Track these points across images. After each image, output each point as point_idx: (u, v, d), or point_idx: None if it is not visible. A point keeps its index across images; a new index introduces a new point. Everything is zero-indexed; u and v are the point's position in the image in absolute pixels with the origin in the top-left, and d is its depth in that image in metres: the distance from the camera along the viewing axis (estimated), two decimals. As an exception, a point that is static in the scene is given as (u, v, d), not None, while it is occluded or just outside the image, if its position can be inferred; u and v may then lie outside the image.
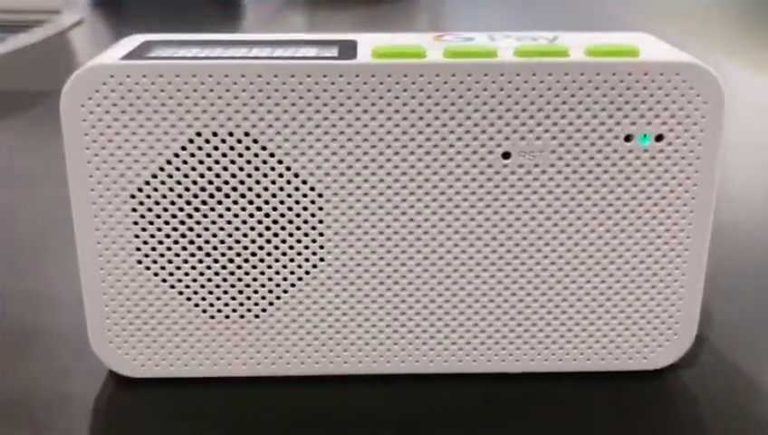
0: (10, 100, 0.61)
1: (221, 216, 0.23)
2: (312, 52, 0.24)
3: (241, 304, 0.24)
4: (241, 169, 0.23)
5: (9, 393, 0.25)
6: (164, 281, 0.24)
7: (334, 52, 0.24)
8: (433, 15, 0.96)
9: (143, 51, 0.23)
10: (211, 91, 0.22)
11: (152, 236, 0.24)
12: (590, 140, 0.23)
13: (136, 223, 0.23)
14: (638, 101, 0.23)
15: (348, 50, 0.24)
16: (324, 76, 0.22)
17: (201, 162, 0.23)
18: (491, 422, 0.24)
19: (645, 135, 0.23)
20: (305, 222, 0.24)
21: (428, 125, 0.23)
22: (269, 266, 0.24)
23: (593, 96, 0.23)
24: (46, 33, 0.80)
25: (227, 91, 0.22)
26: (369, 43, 0.24)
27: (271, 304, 0.24)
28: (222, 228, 0.24)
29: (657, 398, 0.25)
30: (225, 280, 0.24)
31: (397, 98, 0.23)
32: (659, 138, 0.23)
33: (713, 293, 0.27)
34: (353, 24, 0.85)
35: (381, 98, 0.23)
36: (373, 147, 0.23)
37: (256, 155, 0.23)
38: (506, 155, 0.23)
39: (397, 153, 0.23)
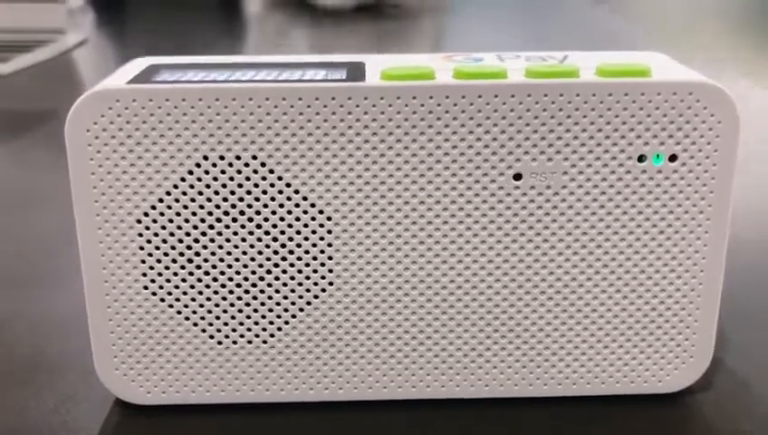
0: (15, 120, 0.60)
1: (228, 240, 0.23)
2: (319, 74, 0.23)
3: (249, 330, 0.24)
4: (248, 192, 0.23)
5: (15, 421, 0.25)
6: (171, 307, 0.24)
7: (342, 74, 0.23)
8: (438, 32, 0.96)
9: (149, 74, 0.23)
10: (218, 114, 0.22)
11: (159, 261, 0.23)
12: (603, 160, 0.23)
13: (142, 248, 0.23)
14: (650, 122, 0.22)
15: (356, 72, 0.23)
16: (333, 99, 0.22)
17: (208, 186, 0.23)
18: (504, 449, 0.23)
19: (658, 155, 0.23)
20: (314, 245, 0.23)
21: (438, 147, 0.23)
22: (277, 291, 0.24)
23: (605, 117, 0.22)
24: (50, 53, 0.80)
25: (235, 114, 0.22)
26: (378, 65, 0.24)
27: (279, 329, 0.24)
28: (229, 253, 0.23)
29: (672, 422, 0.24)
30: (232, 305, 0.24)
31: (406, 120, 0.22)
32: (673, 158, 0.23)
33: (729, 314, 0.27)
34: (357, 41, 0.85)
35: (391, 120, 0.22)
36: (382, 169, 0.23)
37: (264, 178, 0.23)
38: (517, 176, 0.23)
39: (406, 175, 0.23)
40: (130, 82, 0.22)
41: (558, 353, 0.25)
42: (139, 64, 0.25)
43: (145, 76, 0.23)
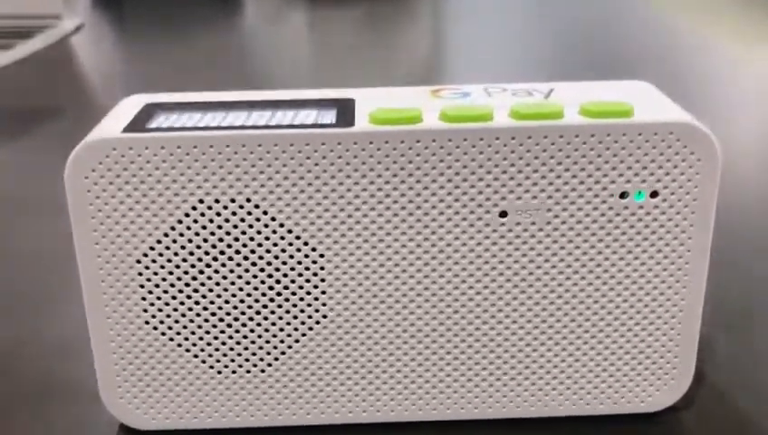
0: (16, 114, 0.61)
1: (225, 277, 0.24)
2: (310, 116, 0.24)
3: (247, 360, 0.25)
4: (243, 233, 0.24)
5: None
6: (171, 340, 0.25)
7: (332, 115, 0.24)
8: (435, 14, 0.95)
9: (144, 118, 0.24)
10: (212, 160, 0.23)
11: (158, 298, 0.24)
12: (586, 198, 0.24)
13: (142, 286, 0.24)
14: (632, 161, 0.23)
15: (346, 112, 0.24)
16: (323, 144, 0.23)
17: (204, 228, 0.24)
18: (492, 470, 0.25)
19: (640, 192, 0.24)
20: (307, 281, 0.24)
21: (426, 188, 0.23)
22: (273, 324, 0.25)
23: (588, 156, 0.23)
24: (48, 39, 0.80)
25: (228, 160, 0.23)
26: (367, 105, 0.24)
27: (276, 359, 0.25)
28: (226, 289, 0.24)
29: (655, 440, 0.26)
30: (230, 337, 0.25)
31: (394, 163, 0.23)
32: (654, 194, 0.24)
33: (713, 322, 0.27)
34: (353, 23, 0.85)
35: (379, 163, 0.23)
36: (372, 209, 0.23)
37: (258, 219, 0.23)
38: (503, 214, 0.24)
39: (396, 215, 0.24)
40: (127, 128, 0.23)
41: (544, 377, 0.26)
42: (135, 104, 0.25)
43: (141, 121, 0.24)
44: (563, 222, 0.24)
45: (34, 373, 0.30)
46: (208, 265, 0.24)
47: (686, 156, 0.23)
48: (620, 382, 0.26)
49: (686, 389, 0.26)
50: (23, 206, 0.45)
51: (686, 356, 0.26)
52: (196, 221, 0.23)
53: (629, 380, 0.26)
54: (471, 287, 0.24)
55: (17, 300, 0.35)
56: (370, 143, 0.23)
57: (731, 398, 0.27)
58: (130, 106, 0.25)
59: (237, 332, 0.25)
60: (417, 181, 0.23)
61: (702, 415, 0.27)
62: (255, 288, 0.24)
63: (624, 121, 0.23)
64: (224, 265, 0.24)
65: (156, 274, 0.24)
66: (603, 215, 0.24)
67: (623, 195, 0.24)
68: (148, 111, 0.25)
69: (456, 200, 0.23)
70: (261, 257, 0.24)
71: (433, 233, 0.24)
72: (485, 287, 0.24)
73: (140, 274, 0.24)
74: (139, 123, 0.24)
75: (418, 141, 0.23)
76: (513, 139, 0.23)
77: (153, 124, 0.24)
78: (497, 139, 0.23)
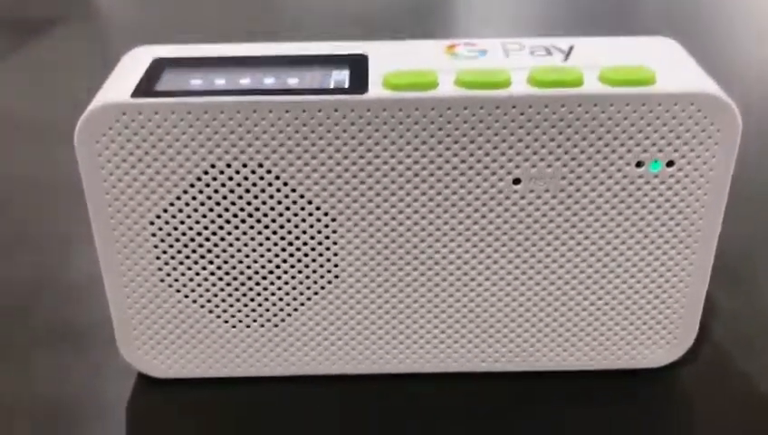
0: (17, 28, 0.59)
1: (238, 239, 0.24)
2: (323, 77, 0.23)
3: (261, 316, 0.26)
4: (256, 197, 0.24)
5: (48, 388, 0.27)
6: (186, 296, 0.25)
7: (345, 75, 0.23)
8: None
9: (153, 78, 0.23)
10: (223, 126, 0.22)
11: (172, 257, 0.24)
12: (601, 166, 0.23)
13: (156, 246, 0.24)
14: (650, 130, 0.23)
15: (359, 74, 0.23)
16: (335, 111, 0.22)
17: (216, 192, 0.23)
18: (495, 417, 0.26)
19: (656, 161, 0.23)
20: (320, 244, 0.24)
21: (439, 155, 0.23)
22: (286, 283, 0.25)
23: (606, 126, 0.23)
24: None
25: (240, 126, 0.22)
26: (380, 64, 0.24)
27: (289, 314, 0.26)
28: (239, 250, 0.24)
29: (653, 397, 0.26)
30: (244, 295, 0.25)
31: (408, 130, 0.23)
32: (670, 163, 0.23)
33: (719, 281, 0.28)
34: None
35: (393, 130, 0.23)
36: (385, 176, 0.23)
37: (270, 184, 0.23)
38: (516, 181, 0.23)
39: (408, 181, 0.23)
40: (136, 91, 0.23)
41: (549, 335, 0.26)
42: (141, 58, 0.25)
43: (149, 81, 0.23)
44: (577, 189, 0.24)
45: (53, 316, 0.30)
46: (221, 228, 0.24)
47: (705, 126, 0.23)
48: (625, 340, 0.26)
49: (689, 347, 0.27)
50: (36, 131, 0.45)
51: (691, 316, 0.26)
52: (208, 185, 0.23)
53: (634, 338, 0.26)
54: (482, 251, 0.25)
55: (32, 237, 0.36)
56: (384, 110, 0.22)
57: (732, 356, 0.28)
58: (137, 61, 0.25)
59: (251, 289, 0.25)
60: (431, 149, 0.23)
61: (701, 373, 0.27)
62: (268, 250, 0.24)
63: (645, 91, 0.22)
64: (236, 227, 0.24)
65: (169, 235, 0.24)
66: (617, 183, 0.24)
67: (639, 164, 0.23)
68: (156, 69, 0.24)
69: (470, 168, 0.23)
70: (273, 221, 0.24)
71: (445, 199, 0.24)
72: (496, 251, 0.25)
73: (154, 235, 0.24)
74: (147, 85, 0.23)
75: (433, 109, 0.22)
76: (530, 107, 0.22)
77: (162, 86, 0.23)
78: (514, 107, 0.22)
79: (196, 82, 0.23)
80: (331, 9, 0.69)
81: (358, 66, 0.24)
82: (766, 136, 0.44)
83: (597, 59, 0.24)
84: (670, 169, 0.23)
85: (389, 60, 0.24)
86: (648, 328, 0.26)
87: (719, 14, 0.68)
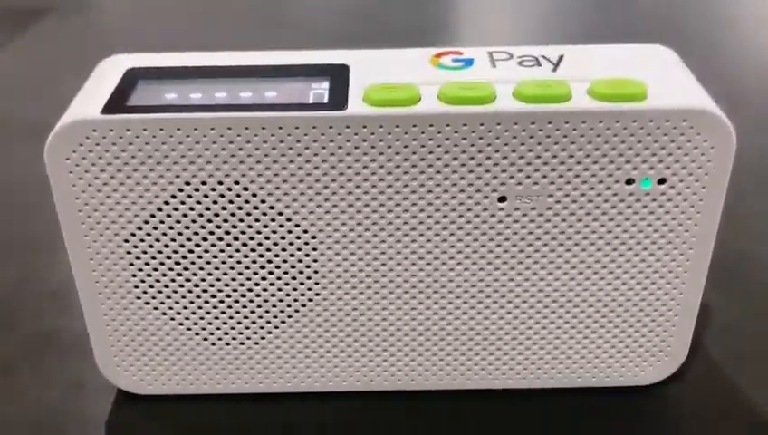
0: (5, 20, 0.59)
1: (215, 256, 0.24)
2: (301, 90, 0.23)
3: (240, 333, 0.25)
4: (232, 214, 0.23)
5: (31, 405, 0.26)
6: (164, 314, 0.25)
7: (325, 88, 0.23)
8: None
9: (125, 91, 0.23)
10: (197, 143, 0.22)
11: (149, 275, 0.24)
12: (589, 184, 0.22)
13: (132, 264, 0.24)
14: (641, 147, 0.22)
15: (338, 86, 0.22)
16: (314, 127, 0.21)
17: (192, 209, 0.23)
18: (482, 442, 0.25)
19: (647, 178, 0.22)
20: (300, 261, 0.24)
21: (422, 172, 0.22)
22: (266, 301, 0.24)
23: (594, 143, 0.22)
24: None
25: (214, 143, 0.22)
26: (362, 75, 0.23)
27: (270, 332, 0.25)
28: (217, 268, 0.24)
29: (645, 413, 0.26)
30: (223, 313, 0.25)
31: (389, 147, 0.22)
32: (662, 181, 0.22)
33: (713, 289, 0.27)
34: None
35: (373, 147, 0.22)
36: (365, 193, 0.23)
37: (247, 201, 0.23)
38: (502, 199, 0.23)
39: (390, 198, 0.23)
40: (107, 106, 0.22)
41: (538, 353, 0.26)
42: (116, 67, 0.24)
43: (121, 95, 0.22)
44: (565, 207, 0.23)
45: (34, 328, 0.30)
46: (198, 245, 0.23)
47: (698, 143, 0.22)
48: (614, 358, 0.26)
49: (680, 364, 0.26)
50: (21, 129, 0.44)
51: (683, 334, 0.25)
52: (183, 202, 0.23)
53: (623, 356, 0.26)
54: (467, 269, 0.24)
55: (14, 243, 0.35)
56: (364, 127, 0.21)
57: (722, 370, 0.27)
58: (111, 71, 0.24)
59: (230, 307, 0.25)
60: (413, 165, 0.22)
61: (692, 388, 0.27)
62: (247, 267, 0.24)
63: (635, 107, 0.21)
64: (213, 244, 0.23)
65: (145, 252, 0.23)
66: (606, 201, 0.23)
67: (629, 181, 0.22)
68: (129, 80, 0.23)
69: (454, 185, 0.22)
70: (251, 238, 0.23)
71: (428, 216, 0.23)
72: (481, 270, 0.24)
73: (129, 252, 0.23)
74: (119, 99, 0.22)
75: (415, 126, 0.21)
76: (515, 124, 0.21)
77: (135, 100, 0.22)
78: (498, 124, 0.21)
79: (170, 96, 0.23)
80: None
81: (338, 78, 0.23)
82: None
83: (587, 70, 0.23)
84: (662, 187, 0.23)
85: (372, 71, 0.23)
86: (639, 346, 0.25)
87: (727, 21, 0.67)
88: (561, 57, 0.24)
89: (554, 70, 0.23)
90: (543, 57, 0.24)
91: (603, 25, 0.62)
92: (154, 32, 0.61)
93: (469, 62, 0.24)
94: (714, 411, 0.26)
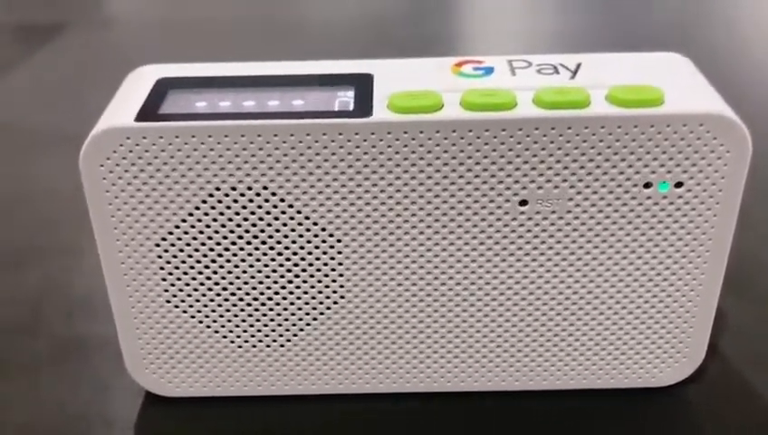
0: (27, 34, 0.60)
1: (243, 260, 0.24)
2: (328, 98, 0.23)
3: (267, 336, 0.26)
4: (261, 219, 0.23)
5: (59, 407, 0.27)
6: (192, 317, 0.25)
7: (350, 97, 0.23)
8: None
9: (157, 101, 0.23)
10: (228, 150, 0.22)
11: (179, 279, 0.24)
12: (608, 188, 0.23)
13: (162, 268, 0.24)
14: (659, 152, 0.22)
15: (364, 95, 0.23)
16: (340, 134, 0.22)
17: (222, 214, 0.23)
18: (504, 442, 0.26)
19: (664, 182, 0.23)
20: (325, 265, 0.24)
21: (445, 176, 0.23)
22: (292, 303, 0.25)
23: (613, 148, 0.22)
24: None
25: (244, 149, 0.22)
26: (386, 84, 0.24)
27: (295, 335, 0.26)
28: (245, 271, 0.24)
29: (664, 414, 0.26)
30: (250, 315, 0.25)
31: (413, 153, 0.22)
32: (679, 184, 0.23)
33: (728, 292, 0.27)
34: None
35: (398, 153, 0.22)
36: (390, 197, 0.23)
37: (275, 206, 0.23)
38: (523, 202, 0.23)
39: (414, 202, 0.23)
40: (140, 114, 0.23)
41: (558, 355, 0.26)
42: (146, 78, 0.25)
43: (153, 104, 0.23)
44: (585, 211, 0.23)
45: (61, 332, 0.31)
46: (227, 249, 0.24)
47: (715, 147, 0.22)
48: (633, 360, 0.26)
49: (698, 366, 0.26)
50: (42, 139, 0.45)
51: (701, 335, 0.26)
52: (213, 208, 0.23)
53: (642, 358, 0.26)
54: (489, 272, 0.24)
55: (42, 250, 0.36)
56: (388, 133, 0.22)
57: (741, 371, 0.28)
58: (141, 81, 0.25)
59: (257, 310, 0.25)
60: (437, 170, 0.23)
61: (710, 390, 0.27)
62: (274, 271, 0.24)
63: (653, 112, 0.22)
64: (242, 249, 0.24)
65: (175, 256, 0.24)
66: (625, 204, 0.23)
67: (647, 185, 0.23)
68: (160, 90, 0.24)
69: (476, 189, 0.23)
70: (279, 242, 0.24)
71: (451, 220, 0.24)
72: (503, 272, 0.24)
73: (160, 256, 0.24)
74: (151, 108, 0.23)
75: (438, 132, 0.22)
76: (536, 129, 0.22)
77: (166, 109, 0.23)
78: (520, 129, 0.22)
79: (200, 104, 0.23)
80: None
81: (363, 86, 0.24)
82: None
83: (604, 77, 0.23)
84: (679, 190, 0.23)
85: (395, 79, 0.24)
86: (657, 347, 0.26)
87: (738, 29, 0.67)
88: (578, 65, 0.25)
89: (572, 77, 0.24)
90: (562, 65, 0.25)
91: (620, 34, 0.63)
92: (172, 44, 0.62)
93: (489, 71, 0.24)
94: (730, 413, 0.26)
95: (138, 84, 0.24)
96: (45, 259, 0.35)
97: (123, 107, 0.23)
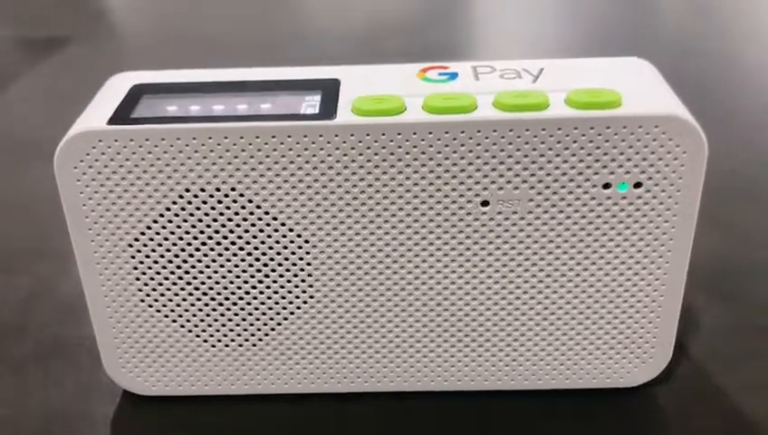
0: (30, 47, 0.61)
1: (214, 260, 0.25)
2: (295, 103, 0.24)
3: (239, 335, 0.26)
4: (230, 220, 0.24)
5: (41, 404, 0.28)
6: (166, 317, 0.26)
7: (317, 100, 0.24)
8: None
9: (130, 105, 0.24)
10: (196, 152, 0.23)
11: (152, 278, 0.25)
12: (568, 188, 0.24)
13: (136, 268, 0.25)
14: (616, 153, 0.23)
15: (329, 99, 0.24)
16: (305, 136, 0.23)
17: (192, 215, 0.24)
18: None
19: (623, 183, 0.23)
20: (294, 265, 0.25)
21: (407, 178, 0.23)
22: (262, 303, 0.26)
23: (571, 149, 0.23)
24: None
25: (212, 151, 0.23)
26: (352, 88, 0.24)
27: (266, 334, 0.26)
28: (216, 271, 0.25)
29: (631, 413, 0.27)
30: (222, 315, 0.26)
31: (376, 154, 0.23)
32: (638, 185, 0.23)
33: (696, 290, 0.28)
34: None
35: (361, 154, 0.23)
36: (354, 198, 0.24)
37: (243, 207, 0.24)
38: (485, 203, 0.24)
39: (378, 203, 0.24)
40: (112, 118, 0.23)
41: (524, 354, 0.26)
42: (122, 84, 0.26)
43: (126, 109, 0.24)
44: (545, 211, 0.24)
45: (46, 331, 0.31)
46: (197, 250, 0.25)
47: (671, 148, 0.23)
48: (599, 360, 0.27)
49: (664, 366, 0.27)
50: (36, 149, 0.46)
51: (666, 335, 0.26)
52: (183, 209, 0.24)
53: (609, 358, 0.26)
54: (453, 272, 0.25)
55: (30, 254, 0.37)
56: (351, 135, 0.23)
57: (707, 371, 0.28)
58: (118, 87, 0.25)
59: (228, 310, 0.26)
60: (399, 172, 0.23)
61: (677, 389, 0.27)
62: (244, 271, 0.25)
63: (609, 114, 0.23)
64: (212, 249, 0.25)
65: (148, 257, 0.25)
66: (585, 205, 0.24)
67: (606, 185, 0.23)
68: (134, 96, 0.25)
69: (438, 190, 0.24)
70: (248, 243, 0.25)
71: (414, 220, 0.24)
72: (467, 272, 0.25)
73: (134, 257, 0.25)
74: (124, 112, 0.24)
75: (399, 134, 0.23)
76: (494, 131, 0.23)
77: (138, 113, 0.24)
78: (479, 131, 0.23)
79: (171, 108, 0.24)
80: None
81: (329, 91, 0.24)
82: (754, 147, 0.44)
83: (565, 82, 0.24)
84: (638, 191, 0.24)
85: (361, 85, 0.25)
86: (623, 347, 0.26)
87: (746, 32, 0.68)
88: (541, 70, 0.25)
89: (534, 81, 0.24)
90: (524, 70, 0.25)
91: (602, 40, 0.63)
92: (172, 57, 0.63)
93: (454, 76, 0.25)
94: (698, 413, 0.27)
95: (114, 90, 0.25)
96: (34, 263, 0.36)
97: (97, 111, 0.24)
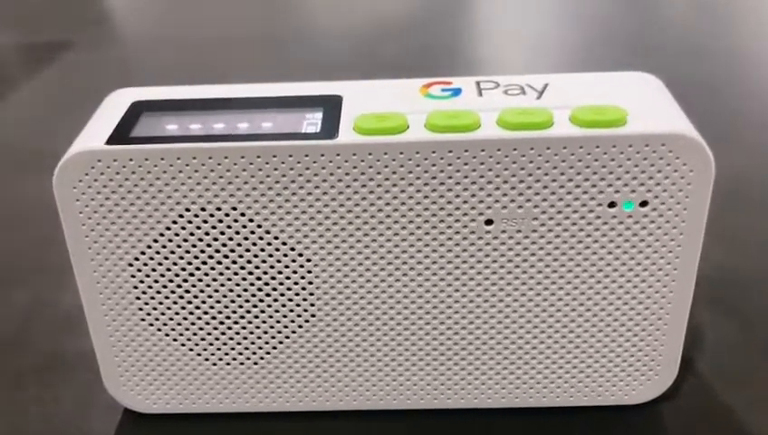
0: (29, 53, 0.61)
1: (215, 280, 0.25)
2: (296, 120, 0.24)
3: (240, 354, 0.26)
4: (231, 239, 0.24)
5: (41, 424, 0.28)
6: (167, 335, 0.26)
7: (318, 118, 0.24)
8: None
9: (130, 123, 0.24)
10: (196, 172, 0.23)
11: (152, 298, 0.25)
12: (573, 207, 0.23)
13: (136, 287, 0.25)
14: (622, 172, 0.23)
15: (331, 117, 0.24)
16: (306, 156, 0.23)
17: (192, 234, 0.24)
18: (475, 460, 0.26)
19: (629, 201, 0.23)
20: (296, 284, 0.25)
21: (410, 197, 0.23)
22: (264, 322, 0.25)
23: (576, 167, 0.23)
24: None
25: (212, 171, 0.23)
26: (354, 105, 0.24)
27: (268, 353, 0.26)
28: (217, 290, 0.25)
29: (636, 431, 0.26)
30: (223, 333, 0.26)
31: (378, 173, 0.23)
32: (644, 203, 0.23)
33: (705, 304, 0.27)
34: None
35: (363, 174, 0.23)
36: (357, 217, 0.23)
37: (244, 226, 0.24)
38: (489, 222, 0.24)
39: (381, 222, 0.24)
40: (111, 137, 0.23)
41: (530, 373, 0.26)
42: (122, 100, 0.25)
43: (126, 127, 0.24)
44: (550, 230, 0.24)
45: (44, 348, 0.31)
46: (198, 269, 0.24)
47: (678, 167, 0.22)
48: (605, 378, 0.26)
49: (670, 384, 0.26)
50: (37, 159, 0.46)
51: (672, 353, 0.26)
52: (184, 228, 0.24)
53: (614, 375, 0.26)
54: (457, 291, 0.25)
55: (30, 269, 0.36)
56: (354, 155, 0.22)
57: (713, 388, 0.28)
58: (118, 104, 0.25)
59: (230, 328, 0.25)
60: (402, 191, 0.23)
61: (683, 407, 0.27)
62: (245, 290, 0.25)
63: (614, 132, 0.22)
64: (213, 268, 0.24)
65: (149, 276, 0.25)
66: (590, 224, 0.23)
67: (611, 204, 0.23)
68: (134, 113, 0.24)
69: (442, 209, 0.23)
70: (249, 262, 0.24)
71: (418, 239, 0.24)
72: (471, 290, 0.25)
73: (134, 276, 0.25)
74: (123, 131, 0.23)
75: (402, 153, 0.22)
76: (498, 150, 0.22)
77: (137, 132, 0.23)
78: (483, 150, 0.22)
79: (171, 127, 0.24)
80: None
81: (331, 108, 0.24)
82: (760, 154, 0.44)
83: (570, 98, 0.24)
84: (644, 209, 0.23)
85: (363, 101, 0.24)
86: (628, 365, 0.26)
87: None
88: (545, 86, 0.25)
89: (538, 98, 0.24)
90: (528, 86, 0.25)
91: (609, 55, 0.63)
92: (175, 64, 0.63)
93: (457, 92, 0.25)
94: (704, 431, 0.26)
95: (114, 107, 0.25)
96: (34, 277, 0.36)
97: (97, 130, 0.24)
